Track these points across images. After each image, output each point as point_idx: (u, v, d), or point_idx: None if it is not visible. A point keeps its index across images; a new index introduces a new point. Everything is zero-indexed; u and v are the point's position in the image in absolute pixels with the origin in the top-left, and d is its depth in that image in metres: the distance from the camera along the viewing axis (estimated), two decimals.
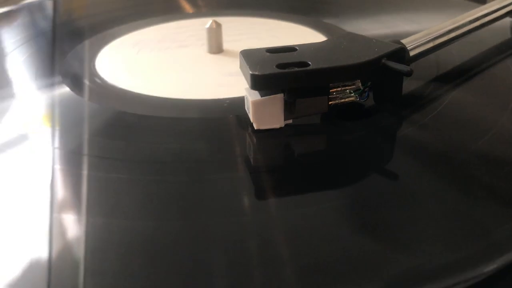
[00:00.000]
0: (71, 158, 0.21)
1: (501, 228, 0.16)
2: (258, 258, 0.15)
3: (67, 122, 0.24)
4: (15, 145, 0.22)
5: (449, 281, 0.14)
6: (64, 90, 0.27)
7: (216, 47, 0.31)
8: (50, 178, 0.19)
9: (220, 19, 0.32)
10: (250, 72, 0.20)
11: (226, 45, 0.32)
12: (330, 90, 0.22)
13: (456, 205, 0.17)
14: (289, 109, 0.21)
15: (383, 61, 0.21)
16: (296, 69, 0.20)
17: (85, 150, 0.21)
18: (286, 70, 0.20)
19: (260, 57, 0.21)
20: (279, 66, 0.21)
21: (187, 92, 0.26)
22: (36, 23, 0.41)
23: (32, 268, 0.15)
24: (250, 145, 0.21)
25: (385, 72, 0.22)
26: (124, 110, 0.24)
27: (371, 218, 0.17)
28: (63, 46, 0.34)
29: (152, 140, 0.22)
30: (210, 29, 0.31)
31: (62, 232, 0.17)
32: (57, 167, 0.20)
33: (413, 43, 0.25)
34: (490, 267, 0.15)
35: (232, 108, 0.24)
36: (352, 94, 0.22)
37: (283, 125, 0.22)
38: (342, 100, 0.22)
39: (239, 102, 0.23)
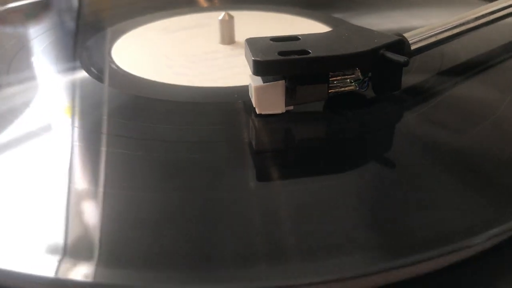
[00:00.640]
0: (90, 137, 0.22)
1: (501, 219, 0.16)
2: (261, 223, 0.16)
3: (84, 104, 0.25)
4: (39, 125, 0.24)
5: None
6: (82, 74, 0.28)
7: (228, 38, 0.32)
8: (70, 154, 0.21)
9: (233, 13, 0.33)
10: (253, 58, 0.21)
11: (238, 37, 0.33)
12: (331, 79, 0.23)
13: (457, 193, 0.18)
14: (290, 95, 0.22)
15: (381, 51, 0.22)
16: (297, 56, 0.21)
17: (103, 129, 0.23)
18: (286, 57, 0.21)
19: (263, 45, 0.22)
20: (281, 53, 0.22)
21: (198, 79, 0.27)
22: (62, 13, 0.43)
23: (50, 234, 0.16)
24: (253, 128, 0.23)
25: (383, 62, 0.22)
26: (138, 95, 0.26)
27: (371, 200, 0.18)
28: (86, 34, 0.35)
29: (164, 121, 0.23)
30: (223, 21, 0.32)
31: (81, 202, 0.18)
32: (76, 144, 0.22)
33: (416, 37, 0.26)
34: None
35: (240, 95, 0.25)
36: (352, 84, 0.23)
37: (284, 111, 0.23)
38: (342, 89, 0.23)
39: (246, 89, 0.24)
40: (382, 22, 0.35)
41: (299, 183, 0.19)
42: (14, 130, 0.23)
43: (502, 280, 0.16)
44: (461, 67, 0.28)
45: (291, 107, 0.23)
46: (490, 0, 0.32)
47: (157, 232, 0.16)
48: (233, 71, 0.28)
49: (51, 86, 0.28)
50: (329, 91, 0.23)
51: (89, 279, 0.14)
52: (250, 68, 0.22)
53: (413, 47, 0.25)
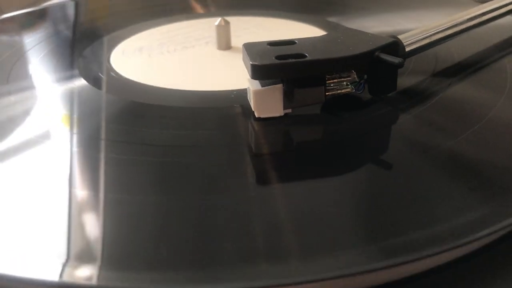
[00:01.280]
0: (89, 142, 0.22)
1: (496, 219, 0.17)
2: (261, 227, 0.17)
3: (84, 111, 0.26)
4: (38, 131, 0.24)
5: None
6: (81, 82, 0.29)
7: (225, 43, 0.33)
8: (70, 160, 0.21)
9: (228, 18, 0.33)
10: (251, 62, 0.21)
11: (234, 42, 0.33)
12: (327, 82, 0.23)
13: (453, 194, 0.18)
14: (288, 98, 0.23)
15: (376, 53, 0.23)
16: (293, 60, 0.22)
17: (102, 135, 0.23)
18: (284, 61, 0.22)
19: (261, 49, 0.23)
20: (278, 57, 0.22)
21: (197, 84, 0.28)
22: (59, 22, 0.43)
23: (52, 237, 0.17)
24: (252, 132, 0.23)
25: (378, 64, 0.23)
26: (138, 100, 0.26)
27: (369, 202, 0.18)
28: (83, 42, 0.36)
29: (165, 126, 0.23)
30: (219, 27, 0.33)
31: (81, 207, 0.18)
32: (75, 149, 0.22)
33: (410, 39, 0.26)
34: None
35: (238, 99, 0.25)
36: (349, 86, 0.24)
37: (282, 114, 0.23)
38: (339, 91, 0.24)
39: (244, 93, 0.25)
40: (376, 25, 0.36)
41: (298, 185, 0.19)
42: (15, 137, 0.23)
43: (497, 279, 0.16)
44: (455, 67, 0.29)
45: (289, 110, 0.23)
46: (481, 1, 0.32)
47: (158, 235, 0.16)
48: (230, 75, 0.29)
49: (51, 94, 0.28)
50: (326, 93, 0.23)
51: (91, 282, 0.15)
52: (248, 72, 0.22)
53: (407, 49, 0.26)
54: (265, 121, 0.23)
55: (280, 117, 0.23)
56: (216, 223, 0.17)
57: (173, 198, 0.18)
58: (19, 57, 0.34)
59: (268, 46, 0.23)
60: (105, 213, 0.18)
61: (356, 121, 0.23)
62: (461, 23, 0.29)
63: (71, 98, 0.28)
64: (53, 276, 0.15)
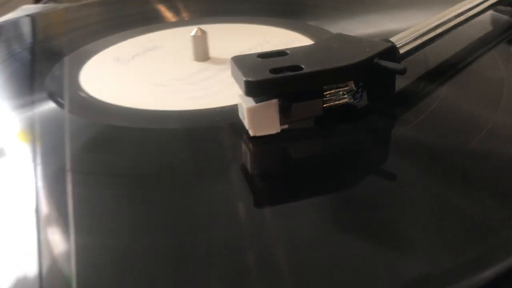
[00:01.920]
0: (55, 175, 0.20)
1: (500, 228, 0.16)
2: (257, 267, 0.15)
3: (52, 138, 0.23)
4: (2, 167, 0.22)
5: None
6: (49, 106, 0.26)
7: (202, 54, 0.31)
8: (34, 194, 0.19)
9: (203, 26, 0.31)
10: (244, 79, 0.20)
11: (212, 52, 0.31)
12: (324, 93, 0.22)
13: (457, 206, 0.17)
14: (284, 114, 0.21)
15: (375, 60, 0.21)
16: (290, 73, 0.20)
17: (70, 166, 0.21)
18: (280, 75, 0.20)
19: (252, 62, 0.21)
20: (273, 71, 0.20)
21: (176, 102, 0.26)
22: (15, 41, 0.40)
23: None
24: (247, 153, 0.21)
25: (377, 71, 0.21)
26: (112, 124, 0.24)
27: (371, 221, 0.17)
28: (45, 62, 0.33)
29: (143, 152, 0.21)
30: (195, 37, 0.31)
31: (49, 251, 0.16)
32: (40, 184, 0.20)
33: (402, 41, 0.25)
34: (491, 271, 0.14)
35: (225, 116, 0.24)
36: (345, 96, 0.22)
37: (279, 131, 0.21)
38: (336, 102, 0.22)
39: (231, 110, 0.23)
40: (359, 27, 0.34)
41: (299, 207, 0.17)
42: None
43: None
44: (446, 68, 0.28)
45: (286, 126, 0.22)
46: None
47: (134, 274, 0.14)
48: (212, 90, 0.27)
49: (17, 122, 0.26)
50: (324, 105, 0.22)
51: None
52: (241, 89, 0.20)
53: (400, 51, 0.24)
54: (259, 139, 0.21)
55: (276, 134, 0.21)
56: (208, 256, 0.15)
57: (159, 237, 0.16)
58: None
59: (259, 59, 0.21)
60: (76, 256, 0.16)
61: (353, 133, 0.22)
62: (449, 20, 0.28)
63: (39, 124, 0.25)
64: None
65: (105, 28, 0.39)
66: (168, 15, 0.42)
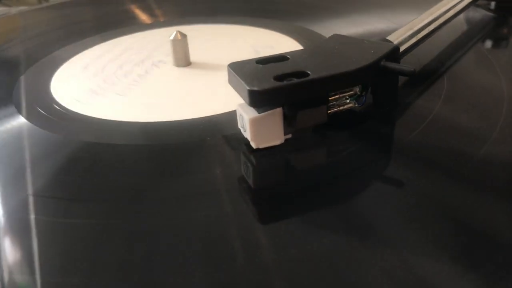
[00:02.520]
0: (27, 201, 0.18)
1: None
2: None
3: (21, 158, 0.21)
4: None
5: None
6: (20, 121, 0.24)
7: (183, 59, 0.29)
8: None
9: (181, 28, 0.30)
10: (248, 88, 0.18)
11: (193, 57, 0.29)
12: (328, 99, 0.20)
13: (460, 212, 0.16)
14: (289, 123, 0.20)
15: (382, 63, 0.20)
16: (296, 80, 0.19)
17: (47, 191, 0.19)
18: (286, 83, 0.19)
19: (252, 70, 0.20)
20: (276, 78, 0.19)
21: (159, 113, 0.24)
22: None
23: None
24: (249, 166, 0.20)
25: (384, 74, 0.20)
26: (91, 140, 0.22)
27: (377, 234, 0.16)
28: (11, 72, 0.30)
29: (126, 170, 0.20)
30: (175, 41, 0.29)
31: None
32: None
33: (398, 40, 0.24)
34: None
35: (216, 127, 0.22)
36: (349, 101, 0.21)
37: (283, 141, 0.20)
38: (341, 108, 0.21)
39: (222, 119, 0.21)
40: (346, 27, 0.33)
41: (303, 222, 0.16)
42: None
43: None
44: (439, 65, 0.27)
45: (289, 135, 0.20)
46: None
47: None
48: (197, 99, 0.25)
49: None
50: (328, 111, 0.21)
51: None
52: (244, 99, 0.19)
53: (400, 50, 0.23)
54: (263, 152, 0.20)
55: (279, 145, 0.20)
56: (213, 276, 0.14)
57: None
58: None
59: (259, 65, 0.20)
60: None
61: (356, 142, 0.21)
62: (440, 16, 0.27)
63: (11, 143, 0.23)
64: None
65: (68, 34, 0.36)
66: (143, 17, 0.40)
